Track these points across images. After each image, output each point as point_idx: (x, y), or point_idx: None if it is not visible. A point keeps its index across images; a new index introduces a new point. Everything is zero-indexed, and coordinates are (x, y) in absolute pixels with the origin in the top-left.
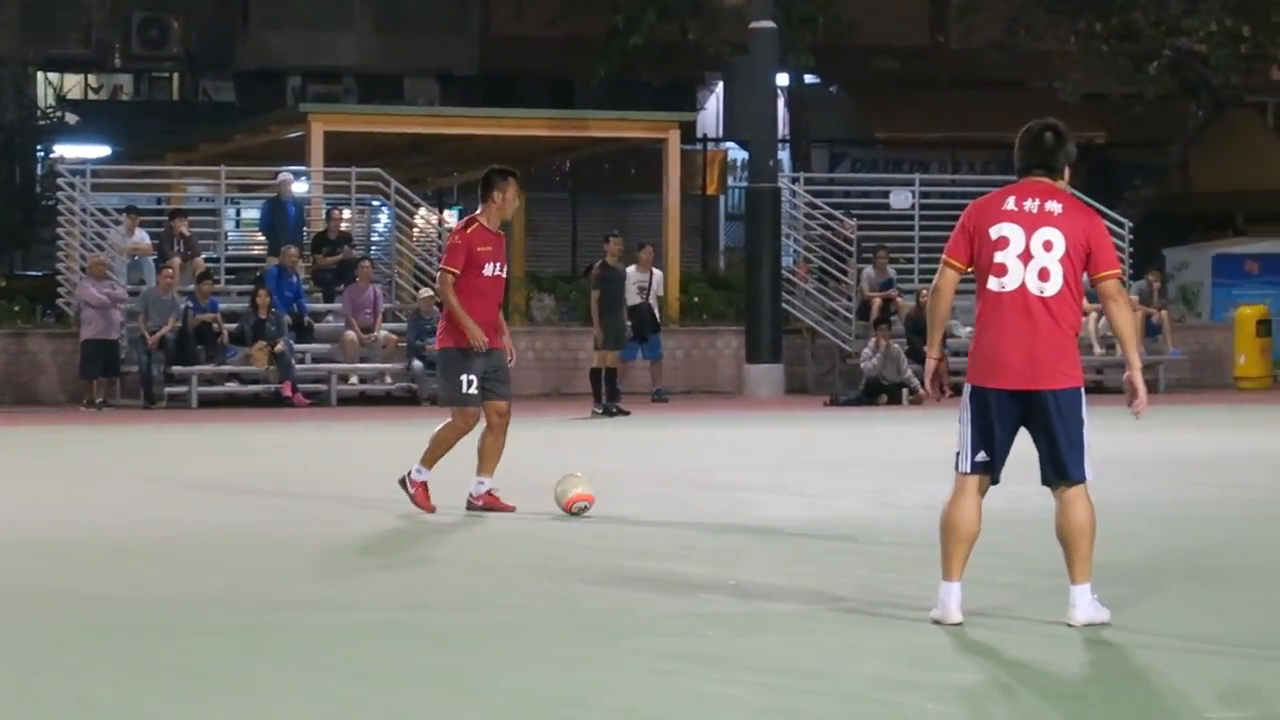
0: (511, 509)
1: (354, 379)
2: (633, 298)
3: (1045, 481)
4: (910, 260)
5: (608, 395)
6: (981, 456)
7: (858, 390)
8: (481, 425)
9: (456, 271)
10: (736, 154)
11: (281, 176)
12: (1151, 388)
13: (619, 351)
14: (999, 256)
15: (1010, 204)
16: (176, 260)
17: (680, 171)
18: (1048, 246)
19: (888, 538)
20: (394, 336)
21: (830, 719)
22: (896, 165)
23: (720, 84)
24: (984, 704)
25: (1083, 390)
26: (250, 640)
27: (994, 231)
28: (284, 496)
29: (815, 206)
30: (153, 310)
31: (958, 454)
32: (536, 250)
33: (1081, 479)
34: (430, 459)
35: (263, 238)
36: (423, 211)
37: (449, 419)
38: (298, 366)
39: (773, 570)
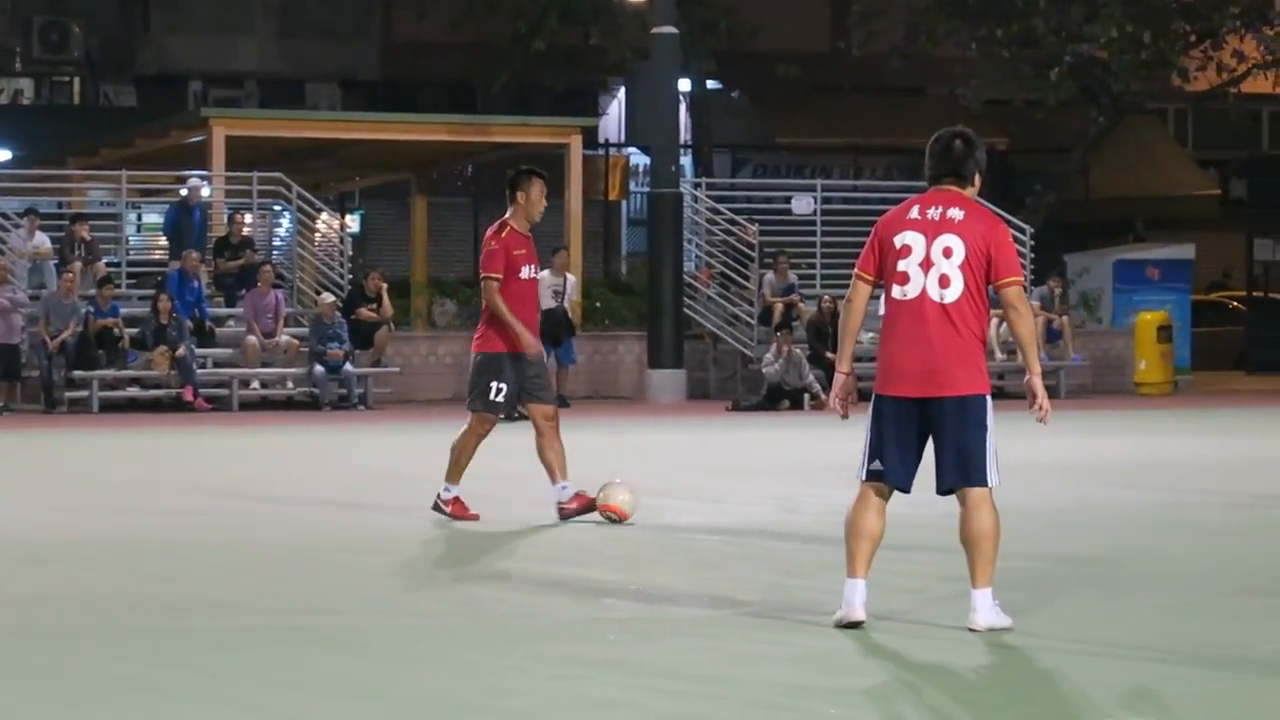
0: (588, 505)
1: (255, 384)
2: (547, 301)
3: (943, 489)
4: (812, 265)
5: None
6: (876, 465)
7: (760, 395)
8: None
9: (499, 276)
10: (639, 159)
11: (191, 182)
12: (1052, 393)
13: None
14: (902, 265)
15: (914, 213)
16: (77, 265)
17: (583, 176)
18: (947, 253)
19: (791, 542)
20: (295, 341)
21: None
22: (798, 170)
23: (622, 89)
24: (886, 708)
25: (988, 397)
26: (156, 645)
27: (898, 240)
28: (186, 501)
29: (717, 212)
30: (53, 314)
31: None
32: (439, 255)
33: (983, 484)
34: (455, 473)
35: (164, 242)
36: (324, 216)
37: (465, 427)
38: (199, 371)
39: (676, 575)
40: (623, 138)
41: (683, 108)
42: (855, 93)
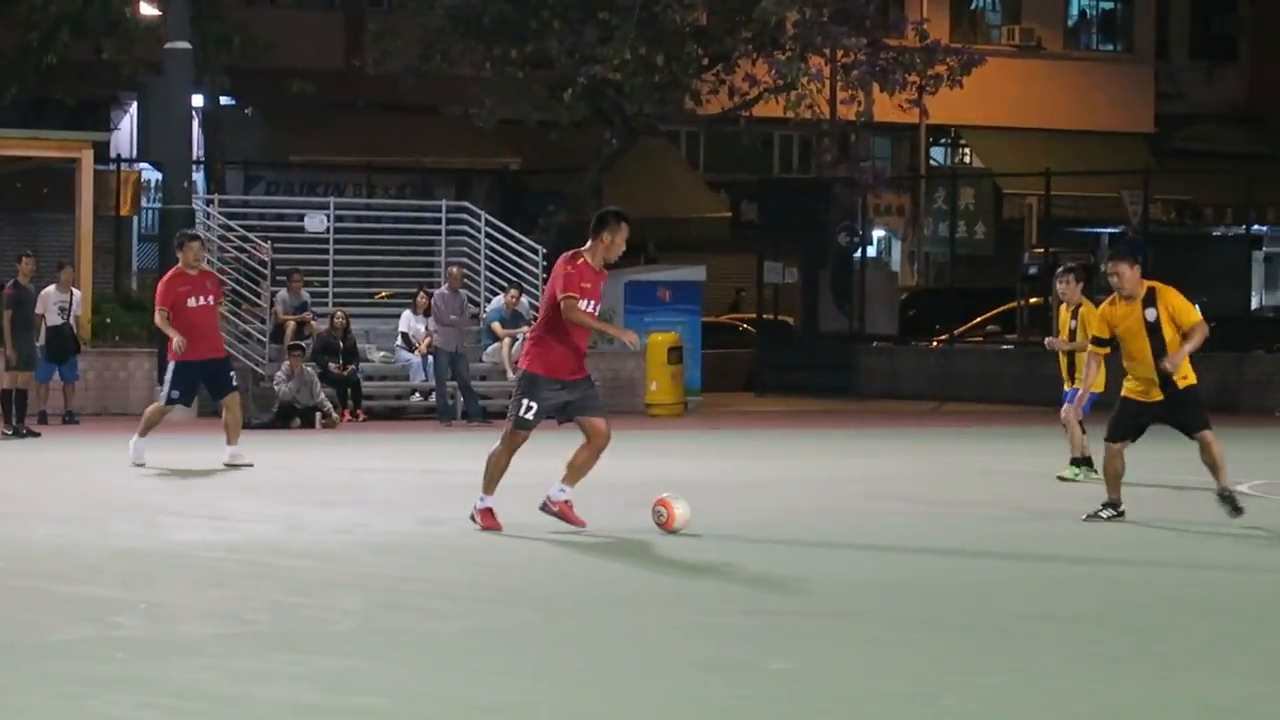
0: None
1: None
2: (54, 318)
3: None
4: (325, 283)
5: (17, 416)
6: None
7: (271, 413)
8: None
9: (578, 296)
10: (151, 174)
11: None
12: None
13: (30, 372)
14: None
15: None
16: None
17: (94, 191)
18: None
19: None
20: None
21: None
22: (311, 188)
23: (135, 104)
24: None
25: None
26: None
27: None
28: None
29: (230, 229)
30: None
31: None
32: None
33: None
34: (490, 484)
35: None
36: None
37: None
38: None
39: (184, 593)
40: (135, 153)
41: (195, 123)
42: (370, 111)
